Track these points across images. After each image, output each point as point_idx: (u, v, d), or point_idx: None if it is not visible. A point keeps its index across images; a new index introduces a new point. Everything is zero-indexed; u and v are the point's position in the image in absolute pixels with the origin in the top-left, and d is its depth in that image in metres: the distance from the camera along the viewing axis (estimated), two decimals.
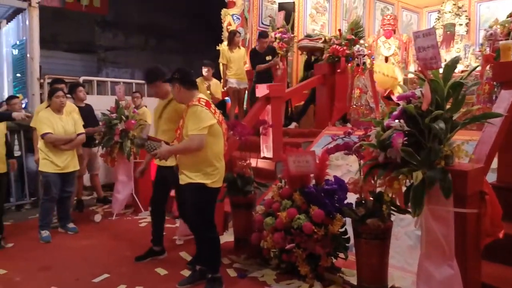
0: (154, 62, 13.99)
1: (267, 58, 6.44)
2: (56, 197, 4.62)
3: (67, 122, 4.65)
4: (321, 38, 6.89)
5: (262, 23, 7.47)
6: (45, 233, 4.54)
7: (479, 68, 5.01)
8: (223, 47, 7.14)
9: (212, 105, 3.21)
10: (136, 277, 3.57)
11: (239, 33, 6.86)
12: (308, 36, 7.16)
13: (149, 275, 3.62)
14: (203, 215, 3.20)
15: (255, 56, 6.55)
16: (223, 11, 7.53)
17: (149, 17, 13.62)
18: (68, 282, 3.48)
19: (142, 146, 3.22)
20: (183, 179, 3.18)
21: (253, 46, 7.01)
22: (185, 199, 3.33)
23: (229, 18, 7.50)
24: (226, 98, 7.01)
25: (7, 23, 8.62)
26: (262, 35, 6.56)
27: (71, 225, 4.84)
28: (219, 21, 7.57)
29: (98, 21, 13.35)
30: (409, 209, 2.33)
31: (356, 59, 5.84)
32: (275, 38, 6.89)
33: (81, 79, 7.67)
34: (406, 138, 2.20)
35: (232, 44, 6.61)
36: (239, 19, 7.43)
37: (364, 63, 5.88)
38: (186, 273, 3.62)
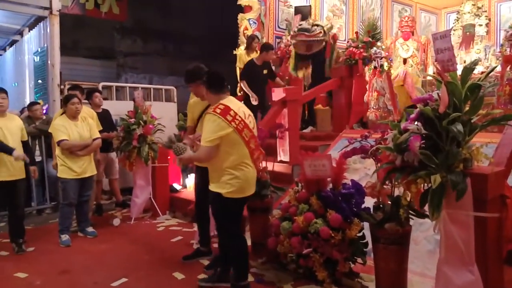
0: (172, 67, 14.16)
1: (264, 71, 6.13)
2: (74, 202, 4.69)
3: (82, 128, 4.72)
4: (321, 32, 6.64)
5: (279, 27, 7.47)
6: (64, 237, 4.61)
7: (498, 69, 4.91)
8: (240, 51, 7.17)
9: (233, 111, 3.03)
10: (154, 281, 3.59)
11: (258, 38, 6.86)
12: (305, 31, 6.67)
13: (166, 279, 3.64)
14: (222, 223, 3.21)
15: (252, 68, 6.13)
16: (240, 15, 7.55)
17: (167, 23, 13.75)
18: (87, 285, 3.53)
19: (170, 147, 3.29)
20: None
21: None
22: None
23: (246, 23, 7.52)
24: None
25: (29, 31, 8.84)
26: (269, 47, 6.18)
27: (90, 229, 4.90)
28: (236, 25, 7.60)
29: (117, 27, 13.54)
30: (427, 213, 2.29)
31: (373, 61, 5.79)
32: (291, 41, 6.88)
33: (100, 85, 7.77)
34: (424, 141, 2.17)
35: (250, 48, 6.64)
36: (255, 23, 7.44)
37: (381, 66, 5.82)
38: (203, 277, 3.63)
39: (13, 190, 4.37)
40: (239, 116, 3.05)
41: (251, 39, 6.68)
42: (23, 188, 4.54)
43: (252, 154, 3.10)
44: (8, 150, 4.20)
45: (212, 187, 3.12)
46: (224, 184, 3.03)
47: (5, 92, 4.44)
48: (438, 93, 2.25)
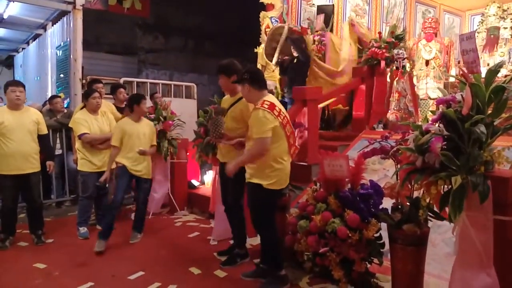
0: (193, 64, 14.26)
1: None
2: (93, 195, 4.78)
3: (102, 122, 4.81)
4: (304, 33, 6.27)
5: (301, 26, 7.45)
6: (83, 229, 4.70)
7: None
8: (261, 49, 7.19)
9: (277, 107, 3.23)
10: (170, 276, 3.64)
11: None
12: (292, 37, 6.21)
13: (183, 274, 3.69)
14: (259, 214, 3.34)
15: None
16: (262, 14, 7.55)
17: (189, 20, 13.85)
18: (104, 278, 3.59)
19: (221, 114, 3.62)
20: (246, 177, 3.35)
21: None
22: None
23: (268, 21, 7.51)
24: None
25: (52, 25, 8.99)
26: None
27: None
28: (258, 23, 7.61)
29: (139, 23, 13.68)
30: (445, 215, 2.28)
31: (395, 62, 5.74)
32: (314, 40, 6.86)
33: (121, 80, 7.89)
34: (445, 142, 2.15)
35: None
36: (277, 21, 7.43)
37: (403, 67, 5.77)
38: (220, 273, 3.68)
39: (27, 184, 4.40)
40: (283, 112, 3.27)
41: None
42: (37, 181, 4.56)
43: (290, 148, 3.31)
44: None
45: (252, 179, 3.27)
46: (266, 176, 3.20)
47: (23, 85, 4.47)
48: (461, 95, 2.23)
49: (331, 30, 7.23)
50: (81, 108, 4.89)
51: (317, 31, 7.00)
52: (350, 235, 3.11)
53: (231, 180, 3.59)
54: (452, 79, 6.98)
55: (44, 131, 4.61)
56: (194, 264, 3.87)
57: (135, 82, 8.45)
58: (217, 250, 4.19)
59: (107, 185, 4.86)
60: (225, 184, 3.94)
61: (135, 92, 7.86)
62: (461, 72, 2.38)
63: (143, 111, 4.65)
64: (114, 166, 4.59)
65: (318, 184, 3.65)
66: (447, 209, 2.22)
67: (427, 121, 2.38)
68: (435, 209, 2.57)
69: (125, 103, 5.84)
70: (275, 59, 6.09)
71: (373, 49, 5.86)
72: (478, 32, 7.91)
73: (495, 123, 2.19)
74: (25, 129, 4.35)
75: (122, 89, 5.94)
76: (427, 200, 2.56)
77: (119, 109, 5.53)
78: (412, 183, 2.60)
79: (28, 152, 4.37)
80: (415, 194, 2.77)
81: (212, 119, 3.54)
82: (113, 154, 4.42)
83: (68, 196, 6.20)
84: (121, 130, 4.41)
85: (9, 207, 4.41)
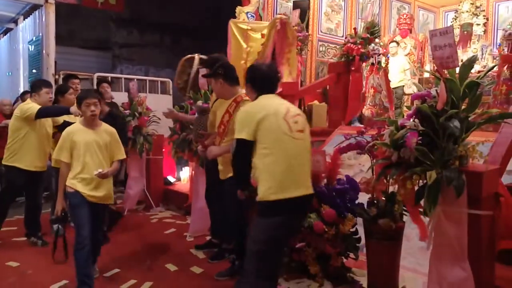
0: (169, 59, 14.09)
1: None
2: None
3: (75, 119, 4.68)
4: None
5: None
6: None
7: (496, 68, 4.93)
8: None
9: None
10: (146, 273, 3.59)
11: None
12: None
13: (159, 270, 3.65)
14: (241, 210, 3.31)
15: None
16: (238, 8, 7.50)
17: (164, 15, 13.66)
18: None
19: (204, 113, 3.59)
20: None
21: None
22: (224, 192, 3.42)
23: (244, 16, 7.46)
24: None
25: (24, 19, 8.74)
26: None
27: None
28: (234, 18, 7.56)
29: (114, 18, 13.43)
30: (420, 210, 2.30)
31: (371, 58, 5.79)
32: None
33: (95, 76, 7.73)
34: (420, 137, 2.16)
35: None
36: (253, 16, 7.39)
37: (379, 62, 5.82)
38: (196, 269, 3.65)
39: (36, 181, 4.35)
40: None
41: None
42: (44, 180, 4.54)
43: None
44: (65, 109, 4.17)
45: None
46: None
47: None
48: (436, 90, 2.25)
49: (307, 26, 7.24)
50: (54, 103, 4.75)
51: (293, 27, 6.99)
52: (326, 230, 3.10)
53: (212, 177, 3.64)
54: (426, 75, 7.08)
55: (59, 122, 4.46)
56: (170, 261, 3.84)
57: (109, 78, 8.27)
58: (193, 247, 4.16)
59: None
60: (210, 180, 3.93)
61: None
62: (435, 68, 2.40)
63: (71, 102, 4.37)
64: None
65: None
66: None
67: (403, 116, 2.38)
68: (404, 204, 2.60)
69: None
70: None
71: (349, 44, 5.89)
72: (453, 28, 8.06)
73: (469, 118, 2.22)
74: (48, 127, 4.34)
75: (105, 84, 5.51)
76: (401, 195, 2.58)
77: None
78: (388, 178, 2.62)
79: (47, 150, 4.38)
80: (391, 189, 2.79)
81: (195, 119, 3.50)
82: (64, 173, 3.21)
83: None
84: (69, 141, 3.18)
85: (7, 203, 4.36)
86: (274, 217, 2.43)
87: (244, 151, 2.49)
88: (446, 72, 2.25)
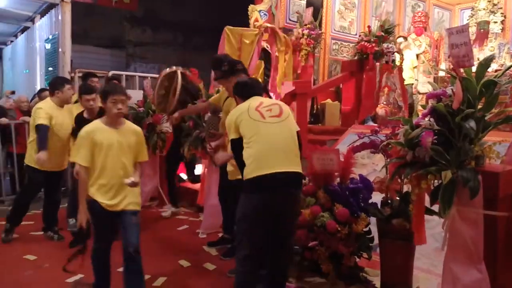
0: (182, 58, 14.16)
1: None
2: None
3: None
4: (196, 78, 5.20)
5: (290, 19, 7.42)
6: (72, 221, 4.68)
7: None
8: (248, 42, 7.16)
9: None
10: (160, 268, 3.63)
11: None
12: None
13: (172, 266, 3.68)
14: None
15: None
16: (250, 7, 7.50)
17: (177, 14, 13.75)
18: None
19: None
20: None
21: None
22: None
23: (256, 14, 7.46)
24: None
25: (40, 18, 8.87)
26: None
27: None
28: (246, 17, 7.56)
29: (128, 17, 13.57)
30: (436, 210, 2.28)
31: (385, 56, 5.74)
32: (302, 34, 6.83)
33: (110, 74, 7.80)
34: (436, 137, 2.14)
35: None
36: (266, 15, 7.38)
37: (393, 61, 5.77)
38: (209, 266, 3.68)
39: (55, 180, 4.41)
40: None
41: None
42: (62, 178, 4.62)
43: None
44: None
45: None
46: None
47: None
48: (452, 89, 2.22)
49: (320, 24, 7.22)
50: (75, 102, 4.82)
51: (306, 25, 6.97)
52: (339, 229, 3.10)
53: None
54: (441, 74, 7.00)
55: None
56: (183, 257, 3.88)
57: (123, 76, 8.36)
58: (206, 243, 4.19)
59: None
60: (222, 176, 3.95)
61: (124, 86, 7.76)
62: (451, 66, 2.37)
63: (68, 98, 4.38)
64: None
65: (307, 178, 3.63)
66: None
67: (418, 116, 2.36)
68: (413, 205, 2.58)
69: None
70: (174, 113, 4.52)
71: (363, 43, 5.85)
72: (469, 26, 7.94)
73: (486, 118, 2.19)
74: (69, 126, 4.34)
75: (95, 78, 5.41)
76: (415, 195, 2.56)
77: None
78: (402, 178, 2.60)
79: (67, 149, 4.38)
80: (405, 188, 2.77)
81: (207, 118, 3.52)
82: (84, 178, 2.84)
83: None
84: (89, 141, 2.82)
85: (28, 200, 4.42)
86: (253, 194, 2.62)
87: (238, 147, 2.72)
88: (462, 71, 2.22)
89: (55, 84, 4.38)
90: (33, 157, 4.21)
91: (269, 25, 5.81)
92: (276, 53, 6.33)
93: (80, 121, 3.99)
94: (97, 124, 2.92)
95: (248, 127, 2.68)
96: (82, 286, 3.33)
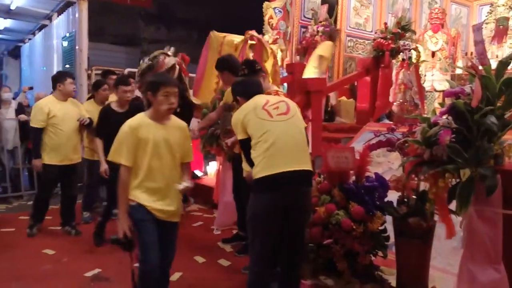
0: (196, 55, 14.18)
1: None
2: (97, 181, 4.85)
3: None
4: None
5: (304, 16, 7.39)
6: (86, 214, 4.86)
7: None
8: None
9: None
10: (176, 264, 3.60)
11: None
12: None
13: (188, 262, 3.72)
14: None
15: None
16: (265, 4, 7.50)
17: (191, 11, 13.78)
18: (111, 264, 3.64)
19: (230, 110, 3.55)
20: None
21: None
22: None
23: (271, 11, 7.46)
24: None
25: (57, 16, 8.99)
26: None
27: (115, 210, 5.01)
28: (261, 14, 7.55)
29: (142, 14, 13.65)
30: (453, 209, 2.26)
31: (401, 53, 5.69)
32: (317, 31, 6.81)
33: (126, 71, 7.86)
34: (454, 135, 2.12)
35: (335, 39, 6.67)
36: (281, 12, 7.38)
37: (409, 58, 5.71)
38: (224, 262, 3.70)
39: (70, 174, 4.47)
40: None
41: (332, 30, 6.71)
42: (79, 171, 4.68)
43: None
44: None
45: None
46: None
47: None
48: (470, 87, 2.20)
49: (335, 21, 7.18)
50: (88, 99, 4.89)
51: (320, 22, 6.94)
52: (354, 227, 3.08)
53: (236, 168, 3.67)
54: (459, 71, 6.91)
55: (85, 116, 4.58)
56: (198, 253, 3.92)
57: None
58: (220, 240, 4.22)
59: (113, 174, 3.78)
60: (236, 174, 3.97)
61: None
62: (469, 64, 2.35)
63: (105, 98, 4.48)
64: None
65: (321, 176, 3.62)
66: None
67: (435, 114, 2.34)
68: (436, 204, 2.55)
69: None
70: None
71: (379, 40, 5.80)
72: (486, 23, 7.80)
73: (505, 116, 2.16)
74: (73, 119, 4.40)
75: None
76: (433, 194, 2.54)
77: None
78: (419, 176, 2.58)
79: (77, 142, 4.46)
80: (422, 187, 2.75)
81: (222, 116, 3.56)
82: (125, 180, 2.52)
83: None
84: (133, 139, 2.52)
85: (46, 196, 4.50)
86: (263, 193, 2.59)
87: (246, 148, 2.72)
88: (481, 68, 2.20)
89: (57, 78, 4.44)
90: (44, 154, 4.29)
91: (256, 34, 5.70)
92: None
93: (108, 114, 4.02)
94: (141, 119, 2.58)
95: (256, 127, 2.65)
96: (99, 280, 3.38)
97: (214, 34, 5.80)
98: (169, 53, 4.98)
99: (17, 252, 3.94)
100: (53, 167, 4.29)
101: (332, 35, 6.61)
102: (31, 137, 4.46)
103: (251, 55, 5.77)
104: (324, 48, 6.30)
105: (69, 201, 4.54)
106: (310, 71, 6.15)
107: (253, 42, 5.50)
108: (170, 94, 2.53)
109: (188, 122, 4.42)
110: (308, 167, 2.68)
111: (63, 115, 4.30)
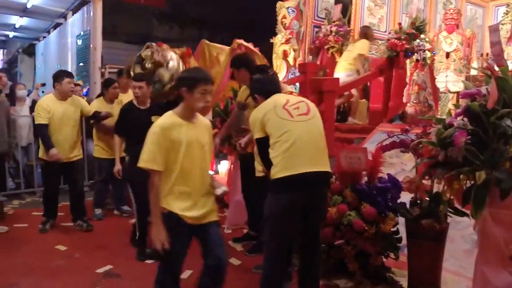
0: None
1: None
2: (107, 179, 4.87)
3: (117, 111, 4.82)
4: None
5: (318, 16, 7.37)
6: (98, 211, 4.87)
7: None
8: (277, 40, 7.17)
9: None
10: (186, 261, 3.63)
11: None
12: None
13: (198, 260, 3.68)
14: None
15: None
16: (278, 4, 7.49)
17: (204, 10, 13.83)
18: (122, 261, 3.67)
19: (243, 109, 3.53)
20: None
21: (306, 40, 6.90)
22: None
23: (284, 11, 7.44)
24: None
25: (72, 15, 9.08)
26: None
27: (125, 207, 5.06)
28: (274, 14, 7.55)
29: (156, 13, 13.72)
30: (467, 211, 2.24)
31: (415, 54, 5.64)
32: (331, 31, 6.78)
33: None
34: (469, 137, 2.10)
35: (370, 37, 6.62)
36: (294, 12, 7.35)
37: (424, 58, 5.66)
38: (234, 261, 3.71)
39: (71, 170, 4.51)
40: None
41: (365, 28, 6.71)
42: (81, 167, 4.74)
43: None
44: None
45: None
46: None
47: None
48: (486, 88, 2.17)
49: (348, 21, 7.14)
50: (97, 97, 4.95)
51: (334, 21, 6.92)
52: (366, 228, 3.07)
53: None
54: (473, 72, 6.82)
55: (89, 112, 4.67)
56: None
57: None
58: (231, 239, 4.22)
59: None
60: (245, 173, 4.00)
61: None
62: (485, 65, 2.32)
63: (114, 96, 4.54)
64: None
65: (333, 177, 3.61)
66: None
67: (450, 115, 2.32)
68: (456, 204, 2.53)
69: None
70: None
71: (393, 40, 5.77)
72: (502, 24, 7.71)
73: None
74: (71, 118, 4.45)
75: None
76: (448, 195, 2.52)
77: None
78: (433, 178, 2.56)
79: (74, 141, 4.49)
80: (435, 189, 2.73)
81: (235, 114, 3.56)
82: (158, 186, 2.31)
83: (87, 181, 6.27)
84: (165, 141, 2.31)
85: (52, 193, 4.55)
86: (281, 194, 2.57)
87: (263, 146, 2.68)
88: (497, 69, 2.17)
89: (55, 77, 4.48)
90: (43, 151, 4.37)
91: (244, 43, 5.65)
92: None
93: (128, 111, 3.95)
94: (171, 118, 2.38)
95: (276, 126, 2.62)
96: (111, 277, 3.40)
97: (206, 43, 5.81)
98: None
99: (29, 247, 3.98)
100: (52, 163, 4.34)
101: (367, 33, 6.58)
102: (38, 133, 4.55)
103: None
104: (362, 46, 6.33)
105: (76, 197, 4.59)
106: (344, 68, 6.25)
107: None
108: (207, 92, 2.37)
109: None
110: (327, 168, 2.68)
111: (60, 115, 4.35)
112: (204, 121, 2.54)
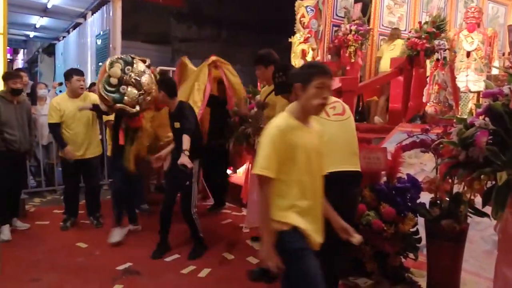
0: (226, 53, 14.27)
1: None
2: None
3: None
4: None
5: (337, 15, 7.32)
6: (144, 206, 4.97)
7: None
8: (296, 39, 7.16)
9: None
10: (205, 259, 3.73)
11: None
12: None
13: (216, 258, 3.76)
14: None
15: None
16: (297, 3, 7.47)
17: (222, 10, 13.88)
18: (141, 259, 3.72)
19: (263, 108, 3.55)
20: None
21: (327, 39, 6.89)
22: None
23: (303, 10, 7.43)
24: None
25: (92, 14, 9.21)
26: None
27: (144, 206, 5.12)
28: (293, 12, 7.54)
29: (174, 13, 13.81)
30: (488, 212, 2.21)
31: (436, 53, 5.57)
32: (350, 30, 6.74)
33: (158, 69, 7.98)
34: (491, 137, 2.08)
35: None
36: (313, 11, 7.33)
37: (444, 58, 5.58)
38: (252, 260, 3.73)
39: (87, 167, 4.58)
40: None
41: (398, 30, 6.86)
42: (97, 165, 4.78)
43: None
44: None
45: None
46: None
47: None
48: (509, 88, 2.14)
49: (368, 20, 7.09)
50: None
51: (354, 21, 6.87)
52: (385, 228, 3.06)
53: None
54: (495, 72, 6.71)
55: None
56: (227, 250, 3.96)
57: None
58: (249, 238, 4.25)
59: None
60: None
61: None
62: (507, 64, 2.29)
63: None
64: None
65: None
66: None
67: (471, 115, 2.30)
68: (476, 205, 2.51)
69: None
70: None
71: (413, 39, 5.71)
72: None
73: None
74: (84, 115, 4.50)
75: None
76: (469, 196, 2.49)
77: None
78: (453, 178, 2.54)
79: (89, 138, 4.54)
80: (455, 189, 2.71)
81: (253, 114, 3.57)
82: (269, 198, 1.96)
83: (106, 180, 6.37)
84: (285, 146, 1.96)
85: (72, 191, 4.64)
86: None
87: None
88: None
89: (66, 76, 4.55)
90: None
91: (220, 60, 5.65)
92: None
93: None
94: (287, 119, 2.03)
95: None
96: (131, 274, 3.46)
97: (186, 61, 6.01)
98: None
99: (51, 244, 4.06)
100: (71, 162, 4.43)
101: (399, 35, 6.79)
102: (51, 132, 4.66)
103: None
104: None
105: (90, 194, 4.67)
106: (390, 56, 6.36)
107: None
108: (325, 86, 1.99)
109: None
110: (358, 168, 2.67)
111: (73, 112, 4.42)
112: (316, 125, 2.17)
